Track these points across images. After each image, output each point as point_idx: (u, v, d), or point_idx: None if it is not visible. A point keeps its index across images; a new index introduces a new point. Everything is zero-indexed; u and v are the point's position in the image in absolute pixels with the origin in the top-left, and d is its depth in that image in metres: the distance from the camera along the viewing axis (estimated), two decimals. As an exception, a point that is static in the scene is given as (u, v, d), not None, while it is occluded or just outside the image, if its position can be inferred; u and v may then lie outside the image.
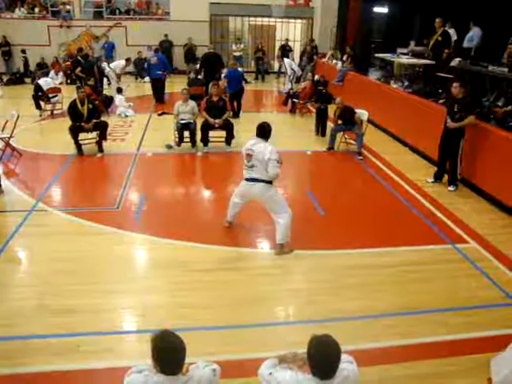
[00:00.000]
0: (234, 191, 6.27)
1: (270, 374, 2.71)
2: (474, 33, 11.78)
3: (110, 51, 18.22)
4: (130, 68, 17.88)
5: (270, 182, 5.65)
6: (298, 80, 15.76)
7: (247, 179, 5.72)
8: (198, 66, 14.82)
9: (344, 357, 2.62)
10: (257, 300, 4.94)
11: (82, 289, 5.00)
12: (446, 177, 8.15)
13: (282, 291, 5.15)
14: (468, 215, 6.98)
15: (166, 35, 19.16)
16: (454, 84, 7.67)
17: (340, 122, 9.97)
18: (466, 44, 11.98)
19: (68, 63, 17.19)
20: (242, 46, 19.96)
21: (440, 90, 10.25)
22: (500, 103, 9.02)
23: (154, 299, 4.91)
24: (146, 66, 14.87)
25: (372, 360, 4.00)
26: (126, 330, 4.60)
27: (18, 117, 9.19)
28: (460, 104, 7.53)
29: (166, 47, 19.31)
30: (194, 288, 5.09)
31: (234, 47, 19.70)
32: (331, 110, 10.88)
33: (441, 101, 9.41)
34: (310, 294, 5.06)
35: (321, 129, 11.28)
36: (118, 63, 15.26)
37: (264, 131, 5.74)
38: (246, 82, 16.03)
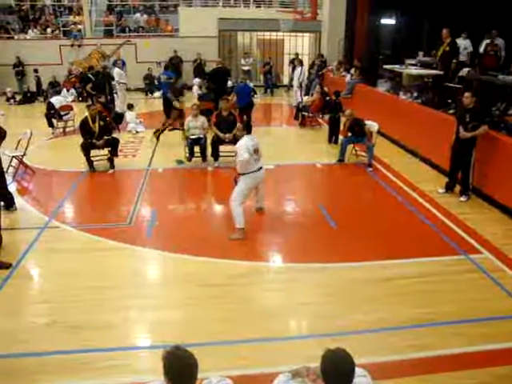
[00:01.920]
0: (237, 198, 6.51)
1: (284, 388, 2.70)
2: (499, 43, 11.71)
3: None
4: (140, 84, 18.07)
5: None
6: (307, 93, 15.79)
7: (260, 168, 6.62)
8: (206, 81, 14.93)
9: (358, 370, 2.59)
10: (269, 314, 4.92)
11: (95, 304, 5.03)
12: (457, 187, 8.10)
13: (294, 305, 5.13)
14: (481, 225, 6.91)
15: (175, 51, 19.36)
16: (466, 94, 7.64)
17: (350, 134, 9.97)
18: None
19: (74, 79, 17.44)
20: (250, 60, 20.10)
21: (449, 101, 10.22)
22: (510, 112, 8.98)
23: (166, 314, 4.91)
24: (157, 82, 14.93)
25: (386, 373, 3.96)
26: (138, 345, 4.60)
27: (31, 135, 9.32)
28: (471, 113, 7.50)
29: (175, 63, 19.56)
30: (205, 303, 5.09)
31: (242, 61, 19.84)
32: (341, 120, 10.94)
33: (451, 111, 9.38)
34: (322, 307, 5.03)
35: (334, 137, 11.55)
36: (116, 73, 15.26)
37: (251, 128, 6.90)
38: (255, 93, 16.00)
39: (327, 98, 12.57)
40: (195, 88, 17.23)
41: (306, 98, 14.15)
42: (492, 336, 4.51)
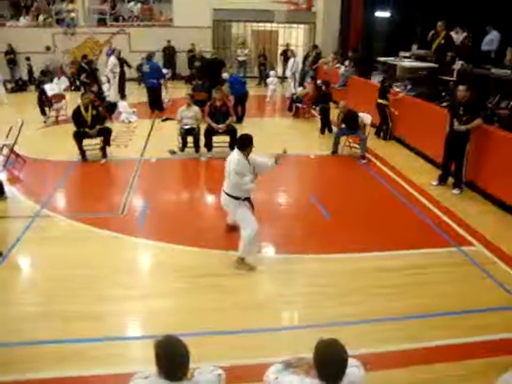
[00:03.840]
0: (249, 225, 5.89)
1: (276, 378, 2.69)
2: (493, 36, 11.72)
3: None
4: (133, 74, 17.93)
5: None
6: (301, 84, 15.75)
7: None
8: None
9: (351, 361, 2.59)
10: (262, 304, 4.92)
11: (87, 294, 5.00)
12: (450, 180, 8.12)
13: (287, 296, 5.12)
14: (473, 218, 6.93)
15: (168, 41, 19.22)
16: (460, 87, 7.64)
17: (343, 125, 9.96)
18: (485, 47, 11.90)
19: (73, 70, 17.27)
20: (246, 51, 20.02)
21: (443, 93, 10.23)
22: (503, 105, 9.00)
23: (159, 304, 4.89)
24: (140, 73, 14.71)
25: (380, 364, 3.97)
26: (130, 335, 4.60)
27: (22, 124, 9.22)
28: (466, 107, 7.50)
29: (168, 53, 19.44)
30: (198, 293, 5.08)
31: (239, 52, 19.73)
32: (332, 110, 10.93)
33: (444, 104, 9.39)
34: (315, 298, 5.03)
35: (327, 127, 11.75)
36: (110, 62, 15.12)
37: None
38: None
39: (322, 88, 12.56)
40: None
41: (299, 90, 14.12)
42: (485, 327, 4.54)
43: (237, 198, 5.42)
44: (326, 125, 11.82)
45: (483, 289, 5.24)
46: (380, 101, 10.76)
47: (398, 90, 11.24)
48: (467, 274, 5.53)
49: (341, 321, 4.59)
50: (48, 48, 18.42)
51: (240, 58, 19.38)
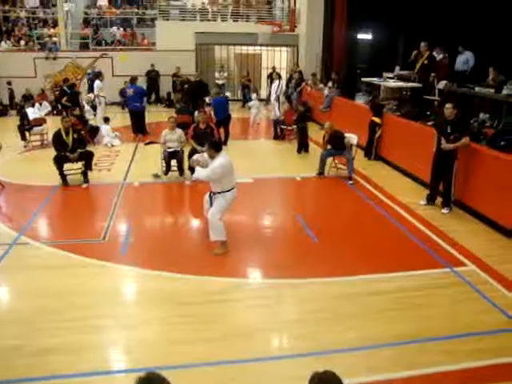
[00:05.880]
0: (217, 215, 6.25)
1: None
2: (468, 56, 11.86)
3: (93, 82, 18.09)
4: (116, 98, 17.82)
5: None
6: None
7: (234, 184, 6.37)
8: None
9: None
10: (251, 333, 4.69)
11: (65, 326, 4.72)
12: (438, 199, 8.03)
13: (277, 323, 4.91)
14: (464, 237, 6.82)
15: (152, 65, 19.20)
16: (447, 105, 7.60)
17: (329, 146, 9.87)
18: (460, 67, 12.02)
19: (56, 94, 17.08)
20: (225, 74, 20.05)
21: (428, 113, 10.24)
22: (489, 124, 9.01)
23: (142, 335, 4.64)
24: (122, 96, 14.60)
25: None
26: (111, 369, 4.30)
27: (0, 147, 8.98)
28: (453, 125, 7.45)
29: (152, 77, 19.37)
30: (184, 322, 4.84)
31: (217, 75, 19.76)
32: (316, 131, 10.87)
33: (430, 123, 9.37)
34: (305, 324, 4.82)
35: (304, 147, 11.89)
36: (96, 85, 14.98)
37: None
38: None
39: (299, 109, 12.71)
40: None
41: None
42: (481, 351, 4.38)
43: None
44: (302, 144, 11.88)
45: (478, 310, 5.08)
46: (374, 119, 10.76)
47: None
48: (461, 295, 5.38)
49: (333, 348, 4.39)
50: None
51: (219, 82, 19.38)
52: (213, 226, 6.27)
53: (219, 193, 6.25)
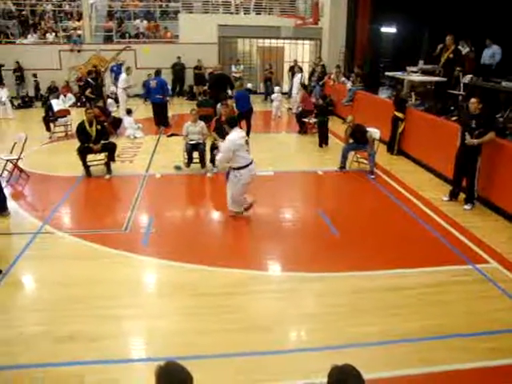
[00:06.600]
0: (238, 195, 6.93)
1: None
2: (495, 50, 11.64)
3: (118, 74, 18.25)
4: (139, 90, 17.93)
5: None
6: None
7: (252, 160, 6.89)
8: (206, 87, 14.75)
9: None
10: (270, 325, 4.71)
11: (87, 314, 4.82)
12: (461, 195, 7.92)
13: (296, 316, 4.93)
14: (487, 234, 6.72)
15: (178, 57, 19.25)
16: (472, 100, 7.46)
17: (351, 140, 9.80)
18: (487, 61, 11.79)
19: (81, 83, 17.31)
20: (241, 67, 20.07)
21: (452, 107, 10.08)
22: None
23: (163, 325, 4.70)
24: (146, 88, 14.71)
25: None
26: (132, 358, 4.38)
27: (26, 139, 9.14)
28: (478, 120, 7.32)
29: (178, 69, 19.45)
30: (204, 313, 4.88)
31: (233, 69, 19.77)
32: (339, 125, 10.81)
33: (453, 118, 9.23)
34: (324, 318, 4.82)
35: (324, 141, 11.89)
36: (121, 79, 15.08)
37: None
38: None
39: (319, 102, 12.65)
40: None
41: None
42: (500, 350, 4.32)
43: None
44: (323, 138, 11.84)
45: (501, 308, 5.00)
46: (397, 114, 10.66)
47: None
48: (483, 292, 5.31)
49: (353, 342, 4.39)
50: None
51: (235, 75, 19.37)
52: (234, 200, 7.04)
53: (237, 169, 6.78)
